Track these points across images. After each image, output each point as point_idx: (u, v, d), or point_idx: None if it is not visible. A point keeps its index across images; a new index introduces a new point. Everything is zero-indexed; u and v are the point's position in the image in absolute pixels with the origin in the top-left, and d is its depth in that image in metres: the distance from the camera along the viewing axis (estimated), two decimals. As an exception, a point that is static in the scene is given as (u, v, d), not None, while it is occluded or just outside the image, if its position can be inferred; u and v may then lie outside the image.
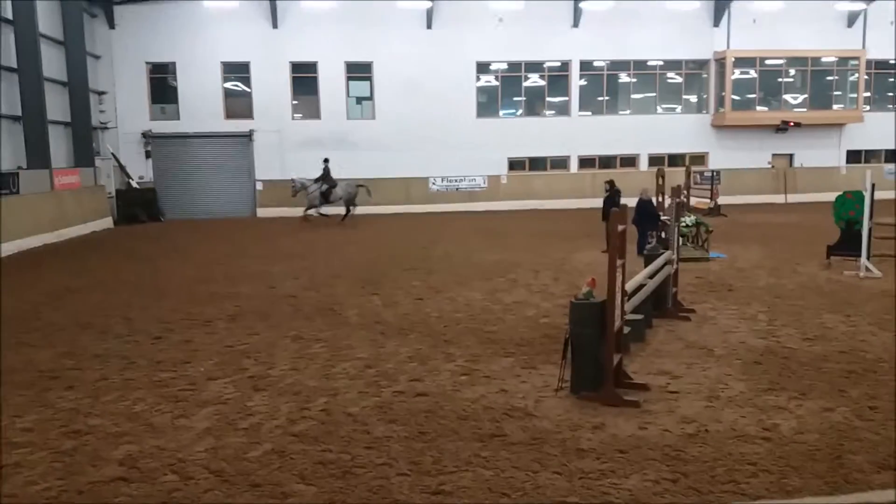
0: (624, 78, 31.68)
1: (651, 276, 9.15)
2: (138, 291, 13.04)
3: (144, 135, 28.59)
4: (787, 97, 32.06)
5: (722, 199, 26.39)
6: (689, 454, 5.59)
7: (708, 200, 26.00)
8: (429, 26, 29.61)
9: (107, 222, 25.64)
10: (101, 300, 12.27)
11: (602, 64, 31.16)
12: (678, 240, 10.74)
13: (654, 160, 30.83)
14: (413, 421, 6.37)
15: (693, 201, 25.03)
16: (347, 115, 30.04)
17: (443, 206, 29.47)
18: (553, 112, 31.45)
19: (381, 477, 5.29)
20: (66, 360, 8.55)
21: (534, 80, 31.21)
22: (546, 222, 24.15)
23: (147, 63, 28.69)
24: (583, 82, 31.23)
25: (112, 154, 28.02)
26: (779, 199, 30.99)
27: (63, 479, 5.34)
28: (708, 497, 4.95)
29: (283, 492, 5.09)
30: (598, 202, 17.42)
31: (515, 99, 31.42)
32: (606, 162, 31.48)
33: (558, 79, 31.15)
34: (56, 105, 23.80)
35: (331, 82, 29.57)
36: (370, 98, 30.23)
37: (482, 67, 30.58)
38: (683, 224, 14.47)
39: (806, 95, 31.87)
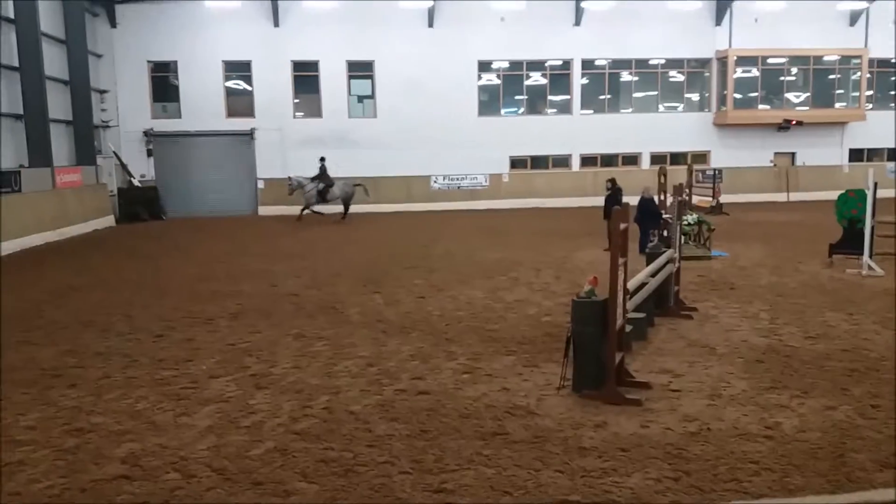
0: (626, 76, 31.64)
1: (653, 275, 9.15)
2: (140, 289, 13.05)
3: (146, 133, 28.60)
4: (790, 96, 32.00)
5: (724, 198, 26.35)
6: (691, 452, 5.59)
7: (710, 199, 25.97)
8: (430, 25, 29.59)
9: (108, 220, 25.65)
10: (102, 298, 12.28)
11: (604, 62, 31.12)
12: (680, 238, 10.72)
13: (656, 159, 30.79)
14: (415, 419, 6.37)
15: (695, 200, 25.03)
16: (349, 113, 30.03)
17: (444, 205, 29.47)
18: (555, 110, 31.43)
19: (382, 475, 5.30)
20: (68, 358, 8.57)
21: (535, 78, 31.18)
22: (548, 221, 24.13)
23: (148, 62, 28.69)
24: (584, 81, 31.19)
25: (114, 152, 28.04)
26: (781, 197, 30.96)
27: (66, 477, 5.35)
28: (710, 495, 4.94)
29: (285, 490, 5.10)
30: (600, 201, 17.41)
31: (517, 97, 31.39)
32: (608, 160, 31.44)
33: (560, 77, 31.12)
34: (58, 104, 23.81)
35: (332, 81, 29.56)
36: (371, 96, 30.22)
37: (484, 66, 30.55)
38: (685, 222, 14.46)
39: (808, 94, 31.81)
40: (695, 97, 32.34)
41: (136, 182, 28.23)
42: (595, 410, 6.48)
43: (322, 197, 24.53)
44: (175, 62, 28.81)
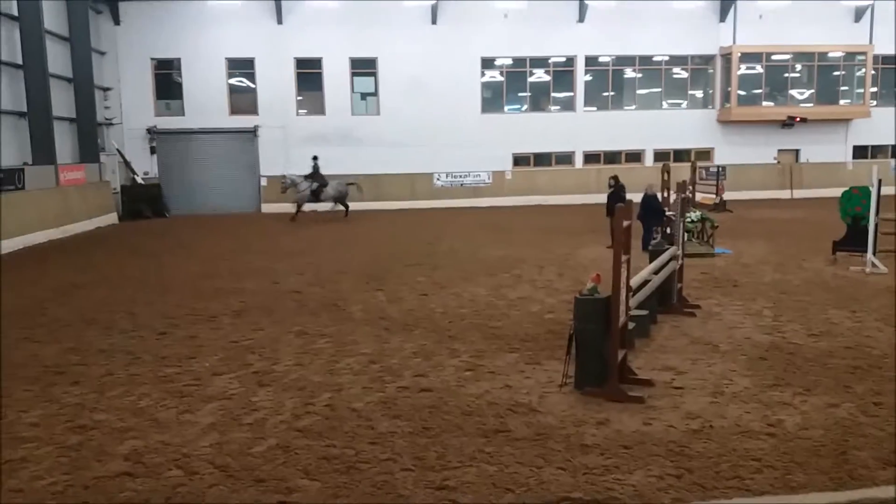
0: (629, 73, 31.60)
1: (656, 272, 9.14)
2: (143, 287, 13.08)
3: (149, 131, 28.63)
4: (794, 92, 31.92)
5: (727, 195, 26.30)
6: (693, 450, 5.58)
7: (713, 196, 25.94)
8: (433, 22, 29.56)
9: (112, 218, 25.70)
10: (106, 296, 12.30)
11: (607, 59, 31.06)
12: (683, 235, 10.71)
13: (660, 156, 30.78)
14: (417, 416, 6.38)
15: (698, 197, 25.07)
16: (352, 110, 30.04)
17: (447, 202, 29.46)
18: (558, 107, 31.40)
19: (385, 472, 5.30)
20: (71, 355, 8.59)
21: (539, 75, 31.14)
22: (551, 218, 24.11)
23: (152, 59, 28.71)
24: (588, 77, 31.14)
25: (117, 150, 28.08)
26: (785, 194, 30.91)
27: (69, 474, 5.36)
28: (712, 493, 4.93)
29: (287, 487, 5.10)
30: (603, 198, 17.38)
31: (520, 94, 31.34)
32: (611, 157, 31.41)
33: (563, 74, 31.07)
34: (61, 101, 23.85)
35: (335, 78, 29.56)
36: (375, 94, 30.20)
37: (487, 63, 30.52)
38: (689, 219, 14.44)
39: (812, 91, 31.73)
40: (698, 94, 32.28)
41: (139, 179, 28.28)
42: (597, 408, 6.48)
43: (316, 197, 24.52)
44: (178, 59, 28.83)
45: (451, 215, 25.92)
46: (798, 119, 31.04)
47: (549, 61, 30.88)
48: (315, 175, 24.64)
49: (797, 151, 32.26)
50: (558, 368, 7.32)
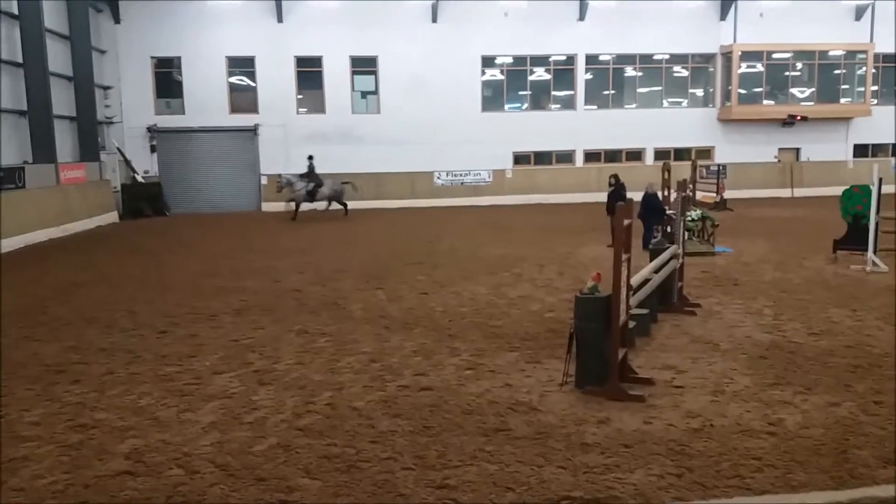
0: (630, 72, 31.59)
1: (656, 271, 9.13)
2: (144, 286, 13.08)
3: (149, 129, 28.62)
4: (794, 91, 31.90)
5: (728, 194, 26.29)
6: (693, 449, 5.58)
7: (714, 194, 25.92)
8: (434, 20, 29.55)
9: (112, 217, 25.71)
10: (106, 294, 12.31)
11: (608, 58, 31.04)
12: (684, 234, 10.70)
13: (660, 154, 30.79)
14: (418, 415, 6.38)
15: (699, 195, 25.08)
16: (352, 109, 30.02)
17: (448, 201, 29.46)
18: (558, 106, 31.39)
19: (385, 471, 5.30)
20: (72, 354, 8.59)
21: (539, 73, 31.12)
22: (551, 216, 24.11)
23: (152, 58, 28.69)
24: (588, 76, 31.13)
25: (117, 148, 28.08)
26: (785, 193, 30.90)
27: (69, 473, 5.37)
28: (713, 492, 4.94)
29: (288, 486, 5.11)
30: (604, 196, 17.38)
31: (521, 93, 31.32)
32: (612, 156, 31.41)
33: (564, 72, 31.05)
34: (62, 100, 23.84)
35: (336, 77, 29.55)
36: (375, 92, 30.18)
37: (487, 61, 30.50)
38: (689, 218, 14.43)
39: (813, 89, 31.72)
40: (699, 92, 32.26)
41: (139, 178, 28.28)
42: (598, 406, 6.48)
43: (311, 196, 24.54)
44: (178, 58, 28.82)
45: (452, 214, 25.91)
46: (798, 118, 31.02)
47: (550, 60, 30.85)
48: (310, 175, 24.65)
49: (798, 150, 32.25)
50: (559, 367, 7.33)
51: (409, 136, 29.45)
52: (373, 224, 23.13)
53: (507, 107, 31.16)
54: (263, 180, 29.24)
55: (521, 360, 7.96)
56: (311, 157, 24.83)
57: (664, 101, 31.81)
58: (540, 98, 31.45)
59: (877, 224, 13.06)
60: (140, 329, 9.76)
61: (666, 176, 18.47)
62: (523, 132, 30.42)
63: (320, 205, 25.35)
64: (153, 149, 28.79)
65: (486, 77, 30.72)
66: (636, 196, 14.20)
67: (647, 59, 31.23)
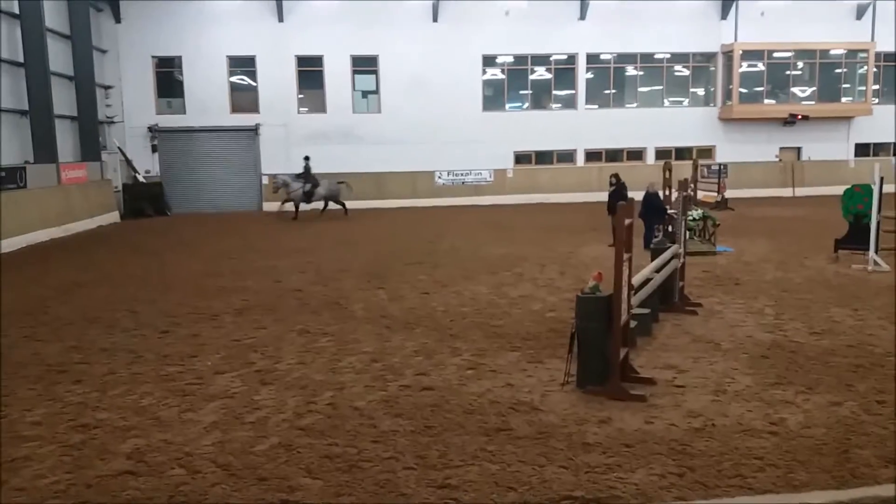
0: (631, 71, 31.56)
1: (658, 270, 9.13)
2: (145, 285, 13.09)
3: (151, 129, 28.63)
4: (795, 90, 31.87)
5: (729, 193, 26.29)
6: (695, 448, 5.58)
7: (715, 194, 25.92)
8: (435, 19, 29.53)
9: (113, 216, 25.72)
10: (108, 294, 12.31)
11: (609, 57, 31.02)
12: (685, 233, 10.70)
13: (661, 153, 30.77)
14: (419, 415, 6.38)
15: (700, 195, 25.04)
16: (353, 108, 30.01)
17: (449, 200, 29.45)
18: (559, 105, 31.36)
19: (387, 471, 5.30)
20: (73, 354, 8.60)
21: (540, 73, 31.10)
22: (552, 216, 24.10)
23: (153, 57, 28.70)
24: (589, 75, 31.12)
25: (118, 148, 28.09)
26: (786, 192, 30.88)
27: (71, 473, 5.37)
28: (714, 491, 4.94)
29: (289, 485, 5.11)
30: (605, 196, 17.37)
31: (522, 92, 31.30)
32: (613, 155, 31.39)
33: (565, 72, 31.04)
34: (63, 99, 23.85)
35: (337, 76, 29.54)
36: (376, 92, 30.18)
37: (488, 61, 30.48)
38: (690, 218, 14.42)
39: (814, 88, 31.68)
40: (700, 92, 32.24)
41: (140, 178, 28.29)
42: (599, 406, 6.48)
43: (308, 197, 24.57)
44: (179, 58, 28.83)
45: (453, 213, 25.91)
46: (800, 117, 30.98)
47: (551, 59, 30.83)
48: (307, 175, 24.68)
49: (799, 149, 32.20)
50: (560, 367, 7.33)
51: (410, 135, 29.45)
52: (374, 224, 23.14)
53: (507, 106, 31.15)
54: (264, 180, 29.23)
55: (522, 360, 7.96)
56: (307, 158, 24.88)
57: (665, 101, 31.79)
58: (541, 97, 31.44)
59: (878, 223, 13.05)
60: (142, 329, 9.77)
61: (667, 175, 18.44)
62: (524, 131, 30.41)
63: (318, 206, 25.36)
64: (154, 148, 28.81)
65: (487, 76, 30.71)
66: (637, 195, 14.25)
67: (647, 58, 31.20)
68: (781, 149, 32.02)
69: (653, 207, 15.53)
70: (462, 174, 30.31)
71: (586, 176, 30.32)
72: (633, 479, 5.09)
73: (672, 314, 9.78)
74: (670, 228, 13.21)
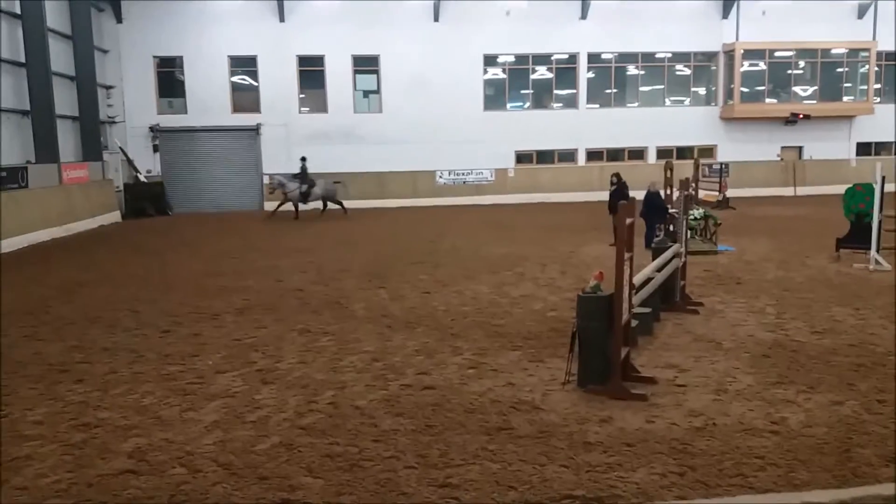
0: (632, 70, 31.55)
1: (659, 270, 9.12)
2: (146, 285, 13.10)
3: (152, 129, 28.66)
4: (797, 89, 31.86)
5: (730, 192, 26.27)
6: (696, 448, 5.58)
7: (716, 193, 25.90)
8: (436, 19, 29.54)
9: (115, 216, 25.74)
10: (109, 294, 12.32)
11: (610, 56, 31.01)
12: (686, 233, 10.69)
13: (663, 153, 30.77)
14: (420, 414, 6.38)
15: (701, 194, 25.00)
16: (354, 108, 30.03)
17: (450, 200, 29.46)
18: (561, 105, 31.36)
19: (388, 470, 5.30)
20: (75, 353, 8.60)
21: (541, 72, 31.11)
22: (553, 215, 24.10)
23: (154, 57, 28.74)
24: (591, 75, 31.11)
25: (120, 148, 28.11)
26: (788, 191, 30.85)
27: (73, 472, 5.37)
28: (715, 490, 4.93)
29: (290, 485, 5.11)
30: (606, 195, 17.37)
31: (523, 92, 31.30)
32: (614, 155, 31.39)
33: (566, 71, 31.04)
34: (64, 99, 23.88)
35: (338, 76, 29.56)
36: (377, 91, 30.20)
37: (489, 60, 30.49)
38: (692, 217, 14.42)
39: (816, 87, 31.66)
40: (701, 91, 32.22)
41: (142, 178, 28.32)
42: (600, 405, 6.48)
43: (305, 198, 24.60)
44: (181, 57, 28.86)
45: (454, 213, 25.91)
46: (801, 116, 30.95)
47: (552, 58, 30.83)
48: (303, 175, 24.70)
49: (800, 148, 32.19)
50: (561, 366, 7.33)
51: (411, 135, 29.45)
52: (375, 223, 23.14)
53: (509, 106, 31.15)
54: (265, 180, 29.25)
55: (523, 359, 7.96)
56: (303, 159, 24.95)
57: (666, 100, 31.79)
58: (542, 97, 31.44)
59: (880, 222, 13.03)
60: (143, 328, 9.77)
61: (668, 174, 18.42)
62: (525, 131, 30.41)
63: (317, 206, 25.36)
64: (156, 148, 28.84)
65: (488, 76, 30.72)
66: (639, 195, 14.23)
67: (649, 57, 31.20)
68: (783, 148, 32.01)
69: (654, 207, 15.52)
70: (463, 174, 30.32)
71: (587, 175, 30.32)
72: (634, 479, 5.09)
73: (673, 313, 9.78)
74: (671, 228, 13.20)
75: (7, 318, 10.46)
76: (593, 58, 30.86)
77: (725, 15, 30.75)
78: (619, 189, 16.49)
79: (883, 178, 12.98)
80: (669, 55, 31.27)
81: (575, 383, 6.96)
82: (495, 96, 30.97)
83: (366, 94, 30.46)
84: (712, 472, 5.17)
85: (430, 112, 29.40)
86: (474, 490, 4.98)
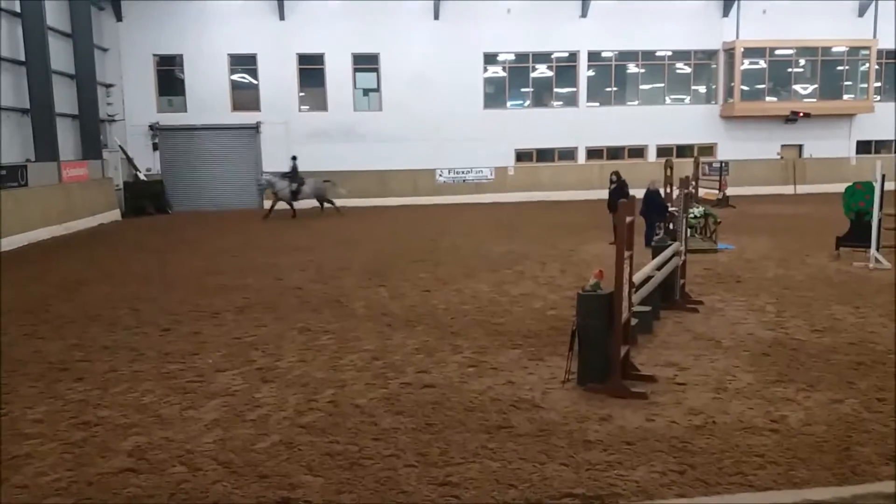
0: (632, 68, 31.53)
1: (659, 268, 9.12)
2: (146, 283, 13.10)
3: (152, 127, 28.64)
4: (797, 87, 31.84)
5: (730, 190, 26.24)
6: (696, 446, 5.58)
7: (716, 191, 25.89)
8: (436, 17, 29.52)
9: (115, 214, 25.74)
10: (109, 292, 12.32)
11: (610, 54, 31.00)
12: (686, 231, 10.69)
13: (663, 151, 30.74)
14: (420, 412, 6.38)
15: (701, 192, 24.96)
16: (354, 106, 30.02)
17: (450, 198, 29.44)
18: (561, 103, 31.33)
19: (388, 468, 5.31)
20: (75, 351, 8.60)
21: (542, 70, 31.09)
22: (553, 214, 24.10)
23: (154, 55, 28.72)
24: (591, 73, 31.09)
25: (120, 146, 28.09)
26: (788, 189, 30.84)
27: (73, 470, 5.38)
28: (715, 489, 4.94)
29: (290, 483, 5.11)
30: (606, 194, 17.35)
31: (523, 90, 31.30)
32: (614, 153, 31.38)
33: (566, 69, 31.01)
34: (64, 98, 23.87)
35: (338, 74, 29.55)
36: (377, 90, 30.18)
37: (489, 58, 30.47)
38: (691, 215, 14.41)
39: (816, 85, 31.63)
40: (702, 89, 32.21)
41: (141, 176, 28.30)
42: (600, 404, 6.48)
43: (294, 196, 24.62)
44: (181, 56, 28.84)
45: (454, 211, 25.90)
46: (801, 114, 30.93)
47: (552, 56, 30.81)
48: (293, 174, 24.71)
49: (800, 146, 32.17)
50: (561, 365, 7.33)
51: (411, 133, 29.44)
52: (375, 221, 23.14)
53: (509, 104, 31.13)
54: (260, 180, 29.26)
55: (523, 358, 7.96)
56: (294, 158, 25.03)
57: (667, 98, 31.77)
58: (542, 95, 31.42)
59: (880, 221, 13.03)
60: (143, 327, 9.77)
61: (668, 173, 18.42)
62: (525, 129, 30.39)
63: (315, 206, 25.37)
64: (155, 146, 28.83)
65: (489, 74, 30.71)
66: (639, 193, 14.23)
67: (649, 55, 31.18)
68: (783, 146, 31.99)
69: (654, 205, 15.51)
70: (463, 172, 30.31)
71: (587, 174, 30.29)
72: (633, 477, 5.09)
73: (673, 312, 9.78)
74: (671, 226, 13.20)
75: (7, 316, 10.47)
76: (593, 56, 30.84)
77: (726, 13, 30.72)
78: (619, 187, 16.48)
79: (883, 177, 12.97)
80: (670, 53, 31.26)
81: (575, 381, 6.96)
82: (495, 94, 30.95)
83: (366, 92, 30.45)
84: (712, 471, 5.17)
85: (430, 110, 29.38)
86: (474, 488, 4.98)
